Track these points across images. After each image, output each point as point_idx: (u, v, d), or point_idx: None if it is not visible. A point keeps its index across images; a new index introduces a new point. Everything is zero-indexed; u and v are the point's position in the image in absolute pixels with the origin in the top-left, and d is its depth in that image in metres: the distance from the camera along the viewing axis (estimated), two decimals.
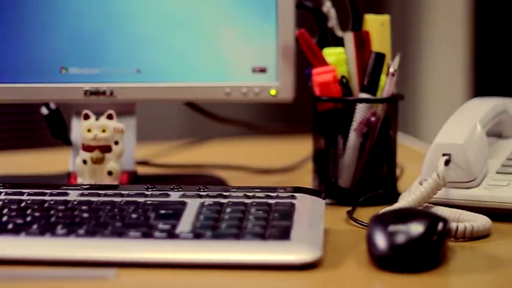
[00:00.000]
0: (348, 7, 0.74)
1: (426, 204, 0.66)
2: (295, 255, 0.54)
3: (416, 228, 0.55)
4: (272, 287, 0.54)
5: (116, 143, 0.73)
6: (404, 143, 0.99)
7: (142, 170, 0.82)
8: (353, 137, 0.71)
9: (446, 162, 0.67)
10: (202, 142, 0.92)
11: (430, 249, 0.55)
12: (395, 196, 0.72)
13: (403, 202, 0.66)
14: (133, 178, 0.77)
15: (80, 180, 0.73)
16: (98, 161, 0.72)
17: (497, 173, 0.69)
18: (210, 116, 0.83)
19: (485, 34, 2.05)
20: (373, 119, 0.71)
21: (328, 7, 0.74)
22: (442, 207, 0.66)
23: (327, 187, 0.73)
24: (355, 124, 0.71)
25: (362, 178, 0.72)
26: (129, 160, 0.76)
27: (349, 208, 0.68)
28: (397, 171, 0.78)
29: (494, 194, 0.66)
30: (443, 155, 0.67)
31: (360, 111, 0.71)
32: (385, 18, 0.74)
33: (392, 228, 0.55)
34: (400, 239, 0.54)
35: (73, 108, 0.77)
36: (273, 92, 0.74)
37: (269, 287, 0.54)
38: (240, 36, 0.75)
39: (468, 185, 0.67)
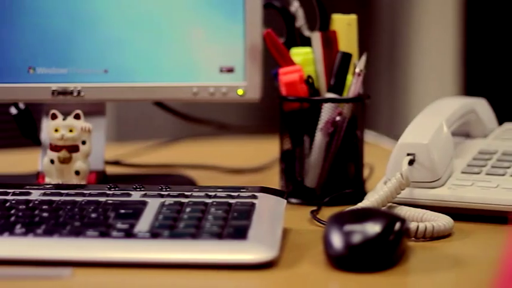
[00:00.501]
0: (315, 7, 0.74)
1: (390, 204, 0.66)
2: (251, 254, 0.54)
3: (373, 227, 0.55)
4: (226, 286, 0.54)
5: (83, 142, 0.72)
6: (380, 143, 0.99)
7: (114, 170, 0.82)
8: (319, 137, 0.71)
9: (411, 162, 0.67)
10: (175, 142, 0.92)
11: (386, 248, 0.55)
12: (362, 196, 0.72)
13: (366, 202, 0.66)
14: (102, 178, 0.76)
15: (47, 180, 0.73)
16: (65, 161, 0.72)
17: (463, 172, 0.69)
18: (181, 116, 0.83)
19: (476, 33, 2.05)
20: (339, 118, 0.71)
21: (295, 7, 0.74)
22: (406, 207, 0.66)
23: (293, 187, 0.73)
24: (321, 124, 0.71)
25: (329, 178, 0.72)
26: (98, 160, 0.76)
27: (315, 208, 0.68)
28: (367, 171, 0.78)
29: (457, 193, 0.66)
30: (408, 154, 0.67)
31: (326, 111, 0.71)
32: (352, 17, 0.74)
33: (348, 228, 0.55)
34: (356, 238, 0.54)
35: (44, 108, 0.77)
36: (240, 91, 0.74)
37: (223, 286, 0.54)
38: (207, 36, 0.75)
39: (432, 184, 0.67)
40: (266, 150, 0.78)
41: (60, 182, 0.72)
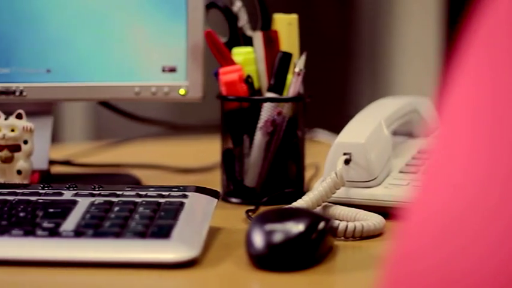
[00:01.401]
0: (257, 6, 0.74)
1: (325, 203, 0.66)
2: (172, 253, 0.54)
3: (295, 227, 0.55)
4: (146, 285, 0.54)
5: (25, 142, 0.73)
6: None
7: (63, 170, 0.83)
8: (259, 136, 0.71)
9: (347, 162, 0.67)
10: (126, 142, 0.92)
11: (308, 247, 0.55)
12: (302, 195, 0.71)
13: (300, 201, 0.66)
14: (46, 177, 0.77)
15: None
16: (7, 160, 0.72)
17: (400, 172, 0.69)
18: (128, 116, 0.83)
19: (458, 32, 2.05)
20: (278, 118, 0.71)
21: (238, 6, 0.74)
22: (341, 207, 0.66)
23: (233, 186, 0.73)
24: (260, 123, 0.71)
25: (269, 177, 0.72)
26: (42, 159, 0.76)
27: (252, 207, 0.68)
28: (312, 171, 0.78)
29: (392, 193, 0.66)
30: (344, 154, 0.67)
31: (266, 111, 0.71)
32: (293, 17, 0.74)
33: (269, 227, 0.55)
34: (277, 238, 0.54)
35: None
36: (182, 91, 0.74)
37: (143, 285, 0.54)
38: (149, 36, 0.75)
39: (369, 184, 0.67)
40: (216, 149, 0.78)
41: (2, 181, 0.72)
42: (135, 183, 0.78)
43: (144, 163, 0.85)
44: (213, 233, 0.62)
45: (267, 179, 0.72)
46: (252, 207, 0.68)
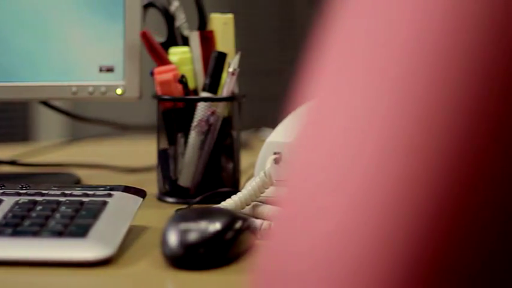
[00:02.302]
0: (196, 6, 0.74)
1: (255, 202, 0.66)
2: (87, 252, 0.54)
3: (211, 226, 0.55)
4: (58, 283, 0.55)
5: None
6: None
7: (8, 169, 0.83)
8: (193, 136, 0.72)
9: (277, 161, 0.67)
10: (74, 142, 0.92)
11: (222, 247, 0.55)
12: None
13: (229, 201, 0.66)
14: None
15: None
16: None
17: None
18: (71, 116, 0.84)
19: None
20: (212, 118, 0.71)
21: (175, 6, 0.75)
22: (269, 206, 0.66)
23: (169, 186, 0.73)
24: (195, 123, 0.71)
25: (204, 177, 0.72)
26: None
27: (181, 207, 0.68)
28: (253, 170, 0.78)
29: None
30: (275, 153, 0.67)
31: (200, 110, 0.71)
32: (229, 17, 0.74)
33: (184, 226, 0.55)
34: (191, 237, 0.54)
35: None
36: (119, 91, 0.75)
37: (55, 283, 0.55)
38: (87, 35, 0.75)
39: None
40: None
41: None
42: (75, 182, 0.78)
43: (88, 163, 0.85)
44: (138, 232, 0.62)
45: (201, 179, 0.72)
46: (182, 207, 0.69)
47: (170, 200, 0.73)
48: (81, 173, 0.82)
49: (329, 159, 0.24)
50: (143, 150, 0.90)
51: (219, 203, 0.68)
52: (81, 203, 0.61)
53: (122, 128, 0.90)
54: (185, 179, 0.72)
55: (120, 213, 0.61)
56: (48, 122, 1.72)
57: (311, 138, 0.26)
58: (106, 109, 0.89)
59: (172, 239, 0.55)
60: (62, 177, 0.80)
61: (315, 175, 0.24)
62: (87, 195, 0.63)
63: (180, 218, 0.57)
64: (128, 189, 0.65)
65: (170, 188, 0.73)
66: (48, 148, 0.91)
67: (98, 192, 0.63)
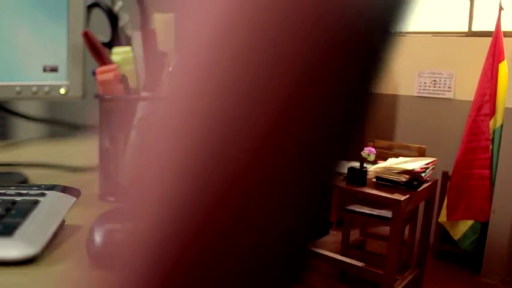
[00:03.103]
0: (138, 6, 0.74)
1: None
2: (11, 251, 0.55)
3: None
4: None
5: None
6: None
7: None
8: (133, 135, 0.72)
9: None
10: (24, 142, 0.92)
11: None
12: None
13: None
14: None
15: None
16: None
17: None
18: (22, 117, 0.84)
19: None
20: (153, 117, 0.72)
21: (119, 6, 0.75)
22: None
23: (110, 185, 0.73)
24: (135, 122, 0.72)
25: None
26: None
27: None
28: None
29: None
30: None
31: (141, 109, 0.72)
32: (170, 16, 0.74)
33: (110, 226, 0.55)
34: (116, 237, 0.55)
35: None
36: (62, 90, 0.75)
37: None
38: (31, 35, 0.76)
39: None
40: None
41: None
42: (22, 182, 0.79)
43: (37, 162, 0.86)
44: (72, 231, 0.63)
45: None
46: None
47: (111, 199, 0.73)
48: (29, 172, 0.82)
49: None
50: (92, 150, 0.90)
51: None
52: (14, 202, 0.61)
53: (73, 128, 0.90)
54: (125, 178, 0.73)
55: (50, 213, 0.61)
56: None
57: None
58: (56, 109, 0.89)
59: (96, 238, 0.55)
60: (8, 176, 0.80)
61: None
62: (20, 194, 0.63)
63: (106, 218, 0.58)
64: (62, 189, 0.65)
65: (111, 187, 0.73)
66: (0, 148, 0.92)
67: (31, 192, 0.63)
